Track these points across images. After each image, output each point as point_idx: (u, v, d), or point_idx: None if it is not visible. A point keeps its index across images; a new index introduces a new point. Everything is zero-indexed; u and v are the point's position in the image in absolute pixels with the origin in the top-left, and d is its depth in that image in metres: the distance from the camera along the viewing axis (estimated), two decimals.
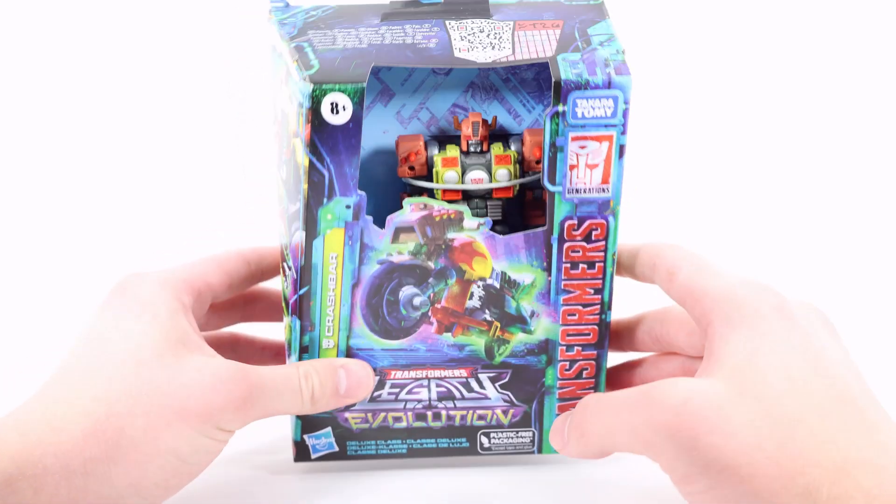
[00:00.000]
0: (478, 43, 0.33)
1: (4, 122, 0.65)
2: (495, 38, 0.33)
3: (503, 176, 0.34)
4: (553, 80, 0.31)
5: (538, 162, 0.34)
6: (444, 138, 0.35)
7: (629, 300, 0.38)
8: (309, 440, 0.38)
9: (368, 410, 0.38)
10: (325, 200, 0.33)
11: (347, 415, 0.38)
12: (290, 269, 0.35)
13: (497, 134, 0.36)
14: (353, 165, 0.32)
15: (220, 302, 0.39)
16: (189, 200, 0.61)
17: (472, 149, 0.34)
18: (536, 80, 0.35)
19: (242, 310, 0.40)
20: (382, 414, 0.38)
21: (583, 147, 0.32)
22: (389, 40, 0.33)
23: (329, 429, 0.38)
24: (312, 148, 0.32)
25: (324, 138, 0.32)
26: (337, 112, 0.31)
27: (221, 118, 0.64)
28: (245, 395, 0.32)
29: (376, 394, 0.37)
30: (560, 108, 0.32)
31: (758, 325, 0.30)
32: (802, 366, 0.29)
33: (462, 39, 0.33)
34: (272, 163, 0.36)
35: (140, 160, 0.63)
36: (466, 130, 0.34)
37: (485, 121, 0.34)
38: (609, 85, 0.31)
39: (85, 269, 0.53)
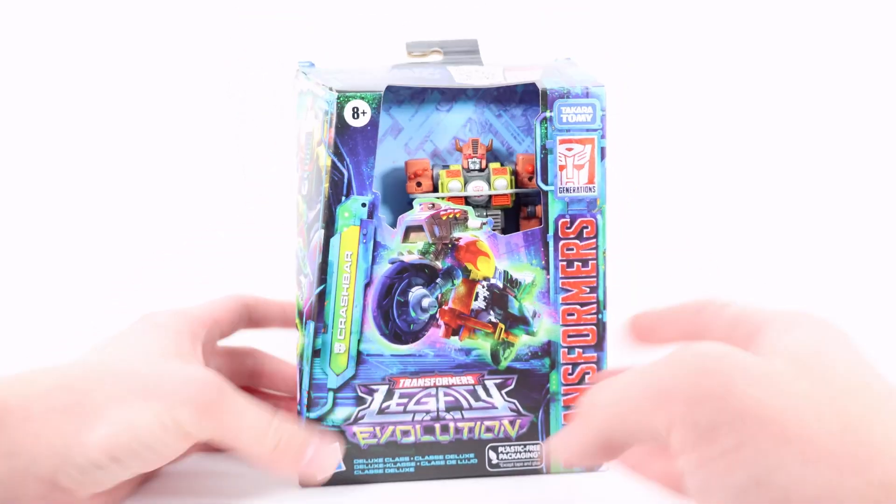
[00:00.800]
0: (475, 77, 0.39)
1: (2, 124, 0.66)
2: (490, 74, 0.39)
3: (501, 185, 0.39)
4: (540, 90, 0.37)
5: (531, 178, 0.39)
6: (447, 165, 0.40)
7: (628, 300, 0.41)
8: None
9: (377, 424, 0.38)
10: (343, 198, 0.36)
11: (356, 429, 0.38)
12: (305, 276, 0.37)
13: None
14: (369, 166, 0.36)
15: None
16: (189, 201, 0.62)
17: (471, 167, 0.39)
18: (525, 115, 0.41)
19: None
20: (391, 428, 0.38)
21: (569, 149, 0.37)
22: (400, 76, 0.39)
23: (336, 445, 0.38)
24: (335, 149, 0.36)
25: (345, 140, 0.36)
26: (357, 116, 0.36)
27: (222, 119, 0.65)
28: (212, 400, 0.33)
29: (385, 405, 0.38)
30: (547, 113, 0.37)
31: (818, 329, 0.27)
32: (865, 369, 0.26)
33: (461, 75, 0.39)
34: (293, 189, 0.40)
35: (142, 162, 0.64)
36: (467, 150, 0.39)
37: (483, 143, 0.39)
38: (587, 94, 0.37)
39: (87, 280, 0.54)
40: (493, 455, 0.38)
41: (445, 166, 0.39)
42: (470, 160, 0.39)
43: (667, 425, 0.24)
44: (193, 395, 0.33)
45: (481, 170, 0.39)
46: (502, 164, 0.39)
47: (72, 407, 0.32)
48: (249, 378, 0.44)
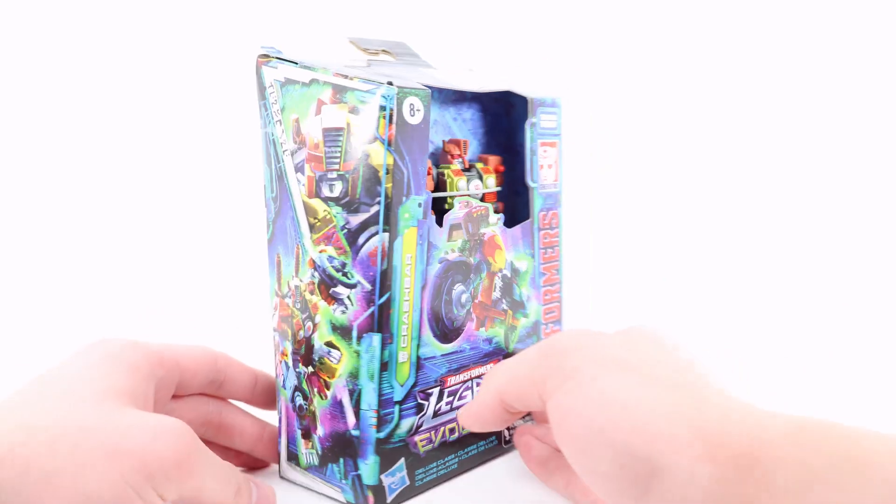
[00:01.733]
0: (465, 82, 0.40)
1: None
2: (471, 78, 0.41)
3: (492, 183, 0.41)
4: (528, 98, 0.41)
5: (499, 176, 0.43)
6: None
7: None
8: (385, 480, 0.35)
9: (432, 428, 0.37)
10: (404, 199, 0.35)
11: (416, 438, 0.36)
12: (353, 287, 0.34)
13: None
14: (423, 164, 0.35)
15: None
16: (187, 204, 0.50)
17: (456, 165, 0.41)
18: (472, 119, 0.44)
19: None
20: (442, 429, 0.38)
21: (545, 151, 0.43)
22: (394, 73, 0.38)
23: (402, 461, 0.36)
24: (396, 147, 0.34)
25: (404, 137, 0.34)
26: (413, 114, 0.35)
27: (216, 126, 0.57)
28: (189, 451, 0.29)
29: (437, 407, 0.37)
30: (533, 119, 0.41)
31: (646, 329, 0.34)
32: (683, 351, 0.33)
33: (451, 76, 0.40)
34: (295, 192, 0.35)
35: (141, 164, 0.60)
36: (456, 150, 0.40)
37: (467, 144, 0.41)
38: (554, 104, 0.43)
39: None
40: (506, 432, 0.41)
41: (436, 165, 0.40)
42: (457, 160, 0.41)
43: (544, 376, 0.31)
44: (166, 450, 0.29)
45: (467, 168, 0.41)
46: (484, 165, 0.42)
47: (14, 481, 0.26)
48: (200, 426, 0.37)
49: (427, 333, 0.36)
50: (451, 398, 0.38)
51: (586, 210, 0.51)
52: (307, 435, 0.37)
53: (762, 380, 0.52)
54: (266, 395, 0.39)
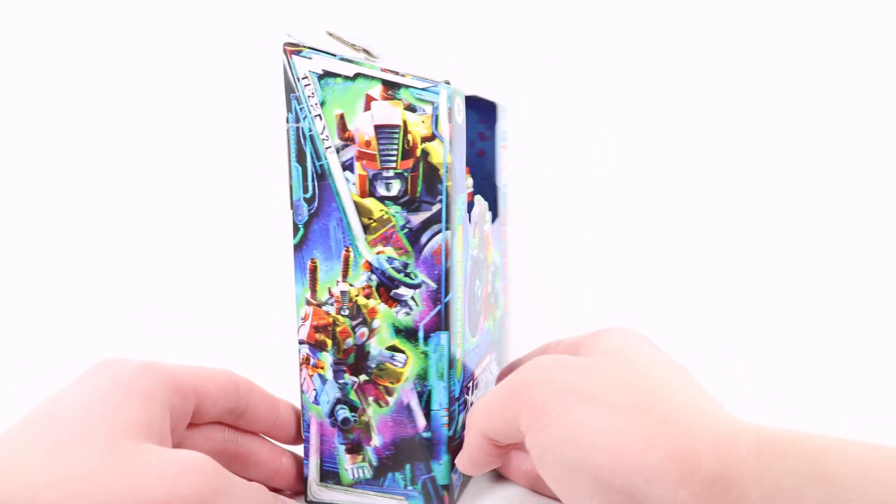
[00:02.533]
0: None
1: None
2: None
3: (471, 183, 0.43)
4: (497, 104, 0.44)
5: None
6: None
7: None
8: (453, 477, 0.35)
9: None
10: (456, 197, 0.35)
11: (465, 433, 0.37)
12: (416, 287, 0.34)
13: None
14: (464, 163, 0.36)
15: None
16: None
17: None
18: None
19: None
20: None
21: (503, 154, 0.45)
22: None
23: None
24: (451, 145, 0.34)
25: (455, 136, 0.35)
26: (459, 113, 0.35)
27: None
28: (214, 489, 0.27)
29: (470, 400, 0.38)
30: (499, 125, 0.44)
31: (623, 334, 0.33)
32: (657, 357, 0.32)
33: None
34: (343, 192, 0.33)
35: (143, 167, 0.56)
36: None
37: None
38: (506, 111, 0.46)
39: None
40: None
41: None
42: None
43: (517, 413, 0.30)
44: (190, 494, 0.27)
45: None
46: None
47: None
48: (214, 456, 0.34)
49: (466, 329, 0.37)
50: (477, 391, 0.39)
51: (586, 210, 0.51)
52: (355, 449, 0.35)
53: (761, 380, 0.51)
54: (288, 429, 0.36)
